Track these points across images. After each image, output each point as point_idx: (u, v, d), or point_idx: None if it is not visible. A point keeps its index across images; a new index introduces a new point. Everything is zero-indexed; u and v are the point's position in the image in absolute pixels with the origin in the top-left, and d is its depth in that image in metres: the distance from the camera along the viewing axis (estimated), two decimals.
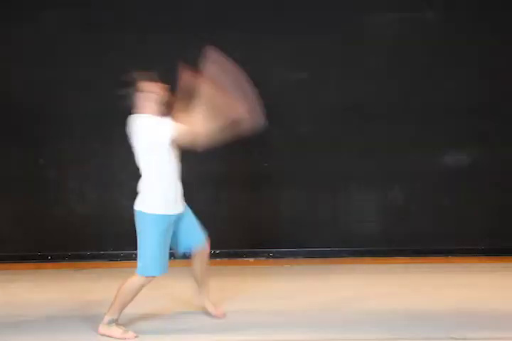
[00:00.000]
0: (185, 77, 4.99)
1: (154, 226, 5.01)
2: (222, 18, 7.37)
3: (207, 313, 5.45)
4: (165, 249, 5.09)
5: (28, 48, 7.39)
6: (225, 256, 7.39)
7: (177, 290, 6.17)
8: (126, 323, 5.28)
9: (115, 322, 5.16)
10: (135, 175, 7.49)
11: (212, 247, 7.33)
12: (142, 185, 5.13)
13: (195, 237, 5.37)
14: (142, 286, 5.10)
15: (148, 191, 5.08)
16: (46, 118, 7.43)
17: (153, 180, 5.09)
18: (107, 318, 5.16)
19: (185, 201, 5.28)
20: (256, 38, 7.31)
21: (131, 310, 5.50)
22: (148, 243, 5.02)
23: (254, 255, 7.14)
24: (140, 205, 5.07)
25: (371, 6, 7.39)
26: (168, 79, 5.10)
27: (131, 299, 5.14)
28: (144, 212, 5.03)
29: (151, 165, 5.07)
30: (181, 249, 5.37)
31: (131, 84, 5.06)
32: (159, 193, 5.07)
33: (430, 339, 4.83)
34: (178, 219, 5.20)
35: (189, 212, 5.35)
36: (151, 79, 5.13)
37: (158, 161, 5.05)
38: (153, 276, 5.08)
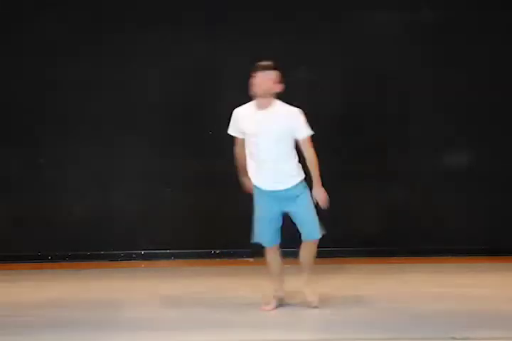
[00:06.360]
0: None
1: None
2: (222, 18, 7.37)
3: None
4: None
5: (28, 48, 7.39)
6: (225, 256, 7.40)
7: (172, 290, 6.19)
8: (122, 326, 5.28)
9: None
10: (135, 175, 7.53)
11: (212, 247, 7.34)
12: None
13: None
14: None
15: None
16: (46, 118, 7.42)
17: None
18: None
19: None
20: (256, 38, 7.32)
21: (131, 312, 5.51)
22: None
23: (254, 255, 7.13)
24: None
25: (371, 6, 7.40)
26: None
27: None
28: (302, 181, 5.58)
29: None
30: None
31: None
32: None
33: (430, 339, 4.82)
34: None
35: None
36: None
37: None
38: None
